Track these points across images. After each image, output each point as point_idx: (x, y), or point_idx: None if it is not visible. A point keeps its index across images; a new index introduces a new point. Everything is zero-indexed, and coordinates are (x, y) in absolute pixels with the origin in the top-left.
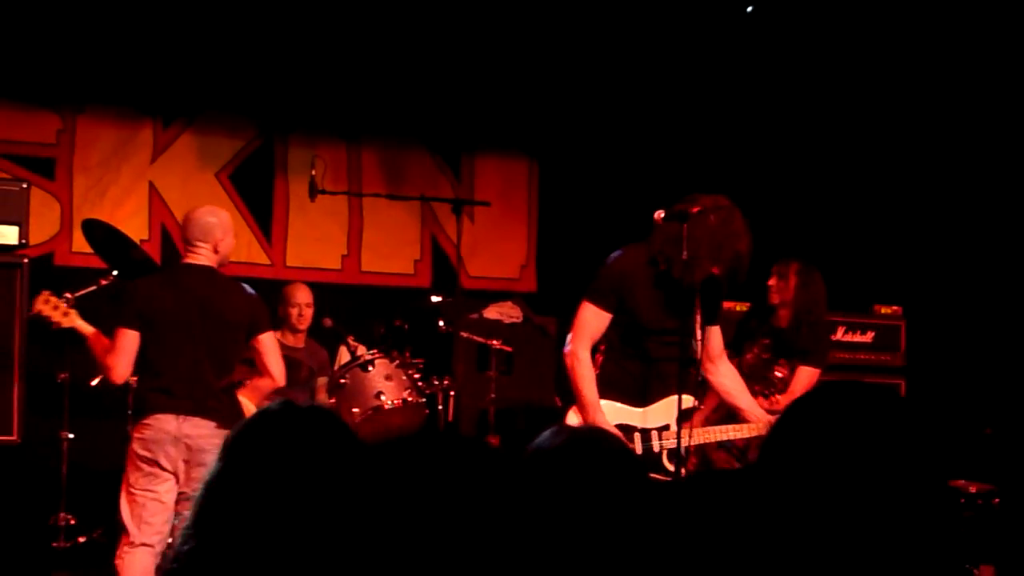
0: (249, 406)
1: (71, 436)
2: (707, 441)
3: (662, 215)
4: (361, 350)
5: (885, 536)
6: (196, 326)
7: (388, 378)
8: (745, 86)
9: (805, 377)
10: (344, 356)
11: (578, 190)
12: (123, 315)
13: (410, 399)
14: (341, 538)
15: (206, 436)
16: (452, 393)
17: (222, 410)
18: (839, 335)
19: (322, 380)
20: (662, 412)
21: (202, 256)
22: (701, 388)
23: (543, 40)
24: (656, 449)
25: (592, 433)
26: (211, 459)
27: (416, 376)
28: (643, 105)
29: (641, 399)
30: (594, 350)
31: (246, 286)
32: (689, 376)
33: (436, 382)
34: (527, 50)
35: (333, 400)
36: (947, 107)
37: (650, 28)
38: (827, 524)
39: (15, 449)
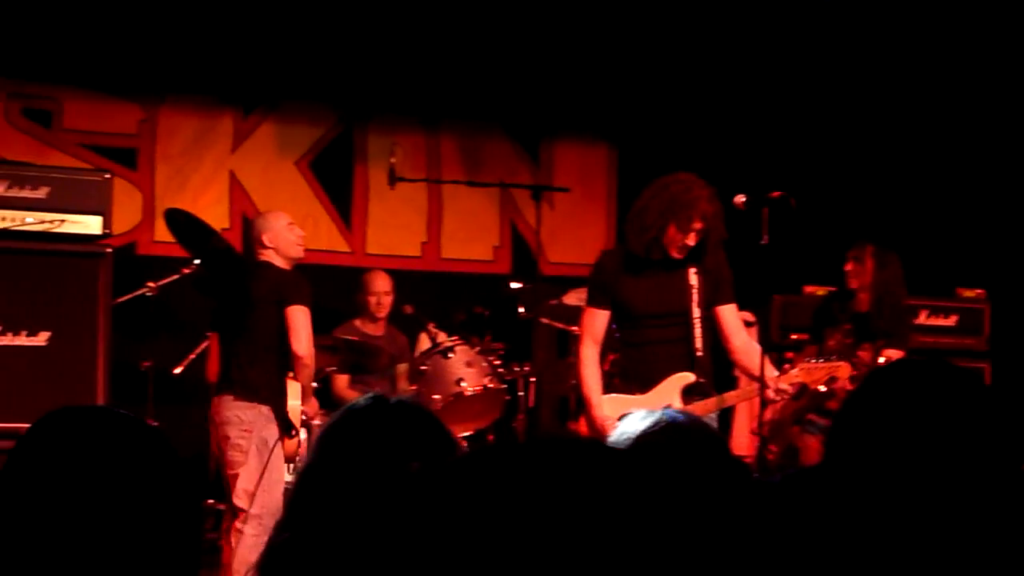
0: (295, 387)
1: (155, 424)
2: (714, 410)
3: (743, 200)
4: (441, 337)
5: (959, 521)
6: (231, 309)
7: (469, 365)
8: (826, 69)
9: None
10: (424, 343)
11: (657, 175)
12: None
13: (490, 385)
14: (431, 531)
15: (223, 410)
16: (532, 379)
17: (244, 382)
18: (922, 319)
19: (403, 367)
20: (664, 394)
21: (259, 253)
22: (700, 366)
23: (622, 24)
24: None
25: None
26: (231, 431)
27: (496, 362)
28: (722, 89)
29: (644, 385)
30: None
31: (290, 270)
32: (688, 355)
33: (516, 368)
34: (607, 34)
35: (414, 387)
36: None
37: (730, 12)
38: (899, 508)
39: None
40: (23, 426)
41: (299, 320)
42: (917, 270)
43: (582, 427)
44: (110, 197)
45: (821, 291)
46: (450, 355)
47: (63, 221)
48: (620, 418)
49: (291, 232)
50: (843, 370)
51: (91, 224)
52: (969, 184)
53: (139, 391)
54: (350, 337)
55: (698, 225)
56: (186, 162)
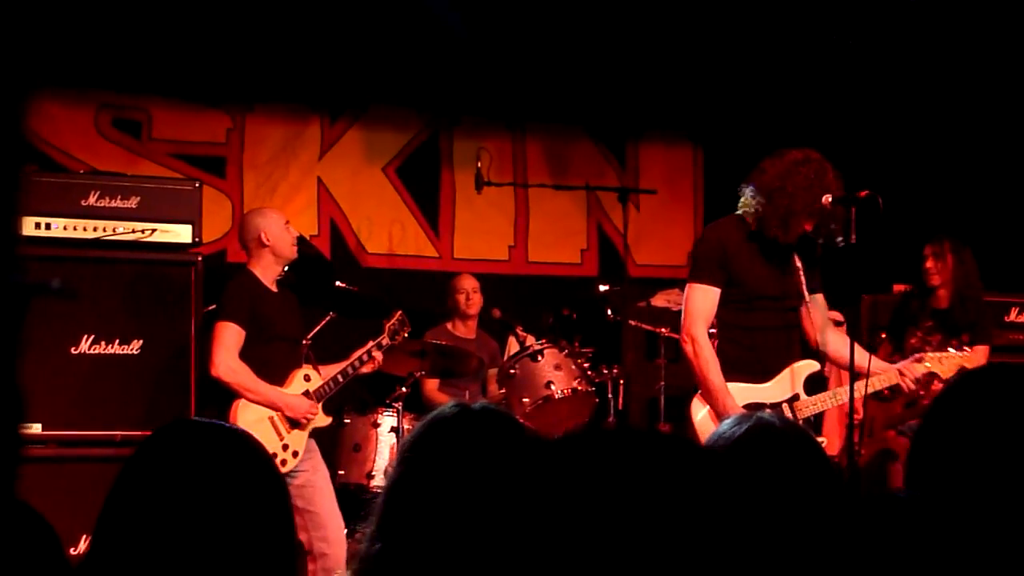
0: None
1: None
2: (837, 404)
3: (829, 199)
4: (530, 340)
5: None
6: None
7: (557, 367)
8: (909, 65)
9: (979, 355)
10: (513, 346)
11: (743, 175)
12: None
13: (580, 388)
14: (521, 537)
15: None
16: (621, 381)
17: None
18: (1012, 316)
19: (493, 371)
20: (788, 382)
21: (251, 252)
22: (815, 354)
23: (705, 23)
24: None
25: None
26: None
27: (585, 365)
28: (807, 86)
29: (764, 373)
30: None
31: (233, 281)
32: (801, 342)
33: (605, 371)
34: (690, 34)
35: (504, 390)
36: None
37: (814, 11)
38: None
39: None
40: (116, 434)
41: (215, 335)
42: (1005, 266)
43: (704, 422)
44: (200, 206)
45: (897, 287)
46: (539, 358)
47: (154, 230)
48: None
49: (288, 232)
50: (977, 356)
51: (181, 233)
52: None
53: (229, 398)
54: (440, 341)
55: (829, 197)
56: (274, 169)
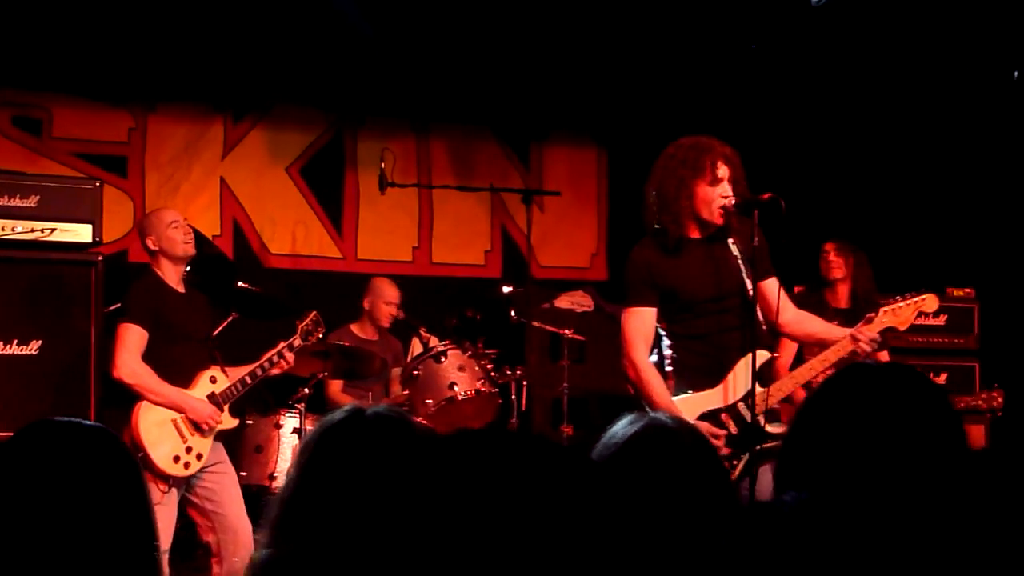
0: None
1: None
2: (796, 387)
3: (732, 202)
4: (434, 341)
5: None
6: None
7: (461, 369)
8: (814, 69)
9: (931, 300)
10: (417, 347)
11: (647, 178)
12: None
13: (483, 389)
14: (415, 542)
15: None
16: (525, 383)
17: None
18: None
19: (396, 371)
20: (740, 381)
21: (149, 256)
22: (774, 341)
23: (610, 26)
24: (749, 419)
25: (671, 422)
26: None
27: (489, 366)
28: (711, 90)
29: (716, 377)
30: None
31: (137, 281)
32: (755, 335)
33: (509, 372)
34: (594, 37)
35: (407, 391)
36: (1016, 86)
37: (724, 12)
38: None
39: None
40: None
41: (117, 336)
42: (906, 269)
43: None
44: (100, 205)
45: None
46: (442, 359)
47: (53, 229)
48: (699, 419)
49: (176, 231)
50: (930, 302)
51: (81, 232)
52: (957, 183)
53: (131, 399)
54: (343, 342)
55: (726, 169)
56: (176, 169)
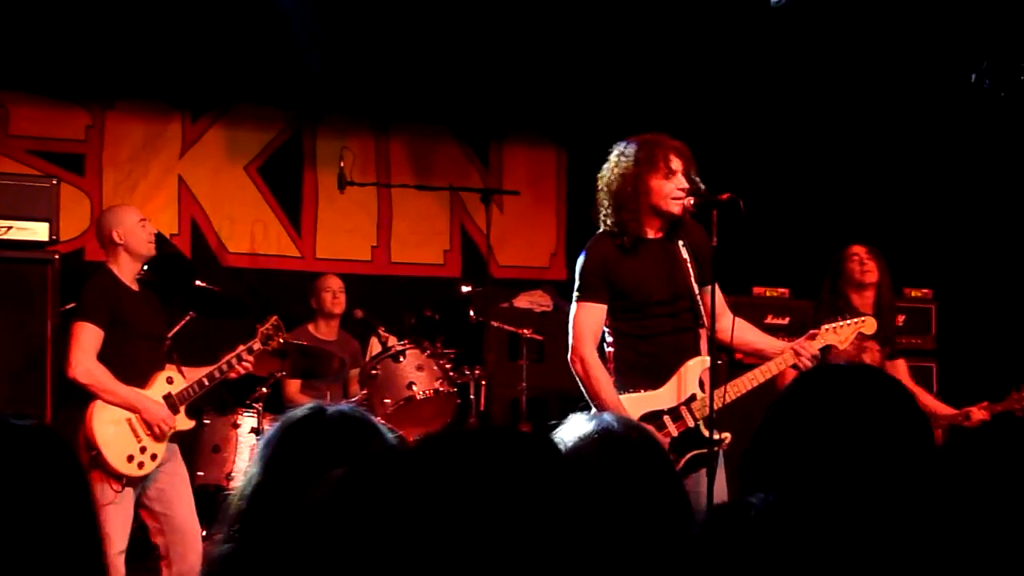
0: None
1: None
2: (739, 394)
3: (691, 202)
4: (392, 341)
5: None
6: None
7: (419, 368)
8: (779, 73)
9: (871, 322)
10: (375, 347)
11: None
12: None
13: (441, 389)
14: (374, 541)
15: None
16: (483, 382)
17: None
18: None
19: (354, 371)
20: (685, 384)
21: (107, 251)
22: (714, 347)
23: (571, 26)
24: (691, 423)
25: (623, 422)
26: None
27: (447, 366)
28: (672, 90)
29: (660, 378)
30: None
31: (92, 279)
32: (699, 338)
33: (467, 372)
34: (555, 37)
35: (365, 391)
36: (973, 89)
37: (683, 13)
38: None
39: None
40: None
41: (72, 336)
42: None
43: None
44: (57, 203)
45: (770, 292)
46: (401, 359)
47: (9, 228)
48: (642, 419)
49: (143, 229)
50: (869, 324)
51: (38, 231)
52: (915, 184)
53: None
54: (301, 342)
55: (679, 162)
56: (134, 168)
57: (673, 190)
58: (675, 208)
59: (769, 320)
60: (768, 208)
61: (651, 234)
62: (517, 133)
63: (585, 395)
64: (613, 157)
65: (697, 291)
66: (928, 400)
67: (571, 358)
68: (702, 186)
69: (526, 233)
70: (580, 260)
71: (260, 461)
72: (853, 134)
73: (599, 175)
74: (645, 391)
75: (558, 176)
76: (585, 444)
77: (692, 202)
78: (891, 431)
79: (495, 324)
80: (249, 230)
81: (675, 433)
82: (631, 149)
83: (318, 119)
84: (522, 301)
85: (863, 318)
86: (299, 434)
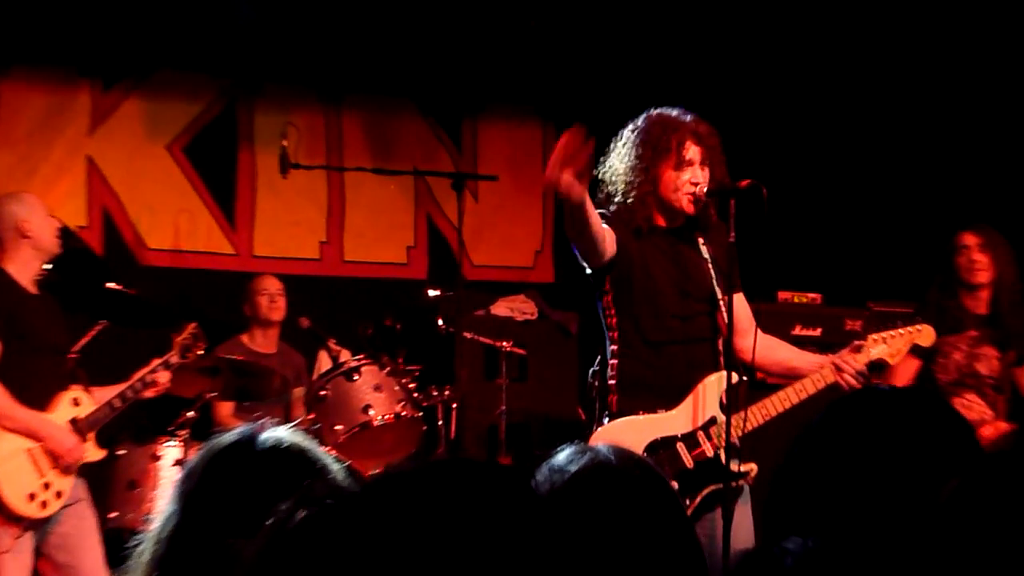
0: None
1: None
2: (768, 419)
3: (705, 189)
4: (345, 355)
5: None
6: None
7: (377, 388)
8: (812, 41)
9: (928, 332)
10: (325, 363)
11: (603, 158)
12: None
13: (404, 413)
14: None
15: None
16: (454, 405)
17: None
18: None
19: (298, 392)
20: (698, 405)
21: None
22: (735, 360)
23: None
24: (711, 452)
25: (621, 456)
26: None
27: (411, 386)
28: (684, 58)
29: (674, 397)
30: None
31: None
32: (717, 351)
33: (435, 393)
34: None
35: (312, 415)
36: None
37: None
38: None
39: None
40: None
41: None
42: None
43: None
44: None
45: (799, 298)
46: (355, 377)
47: None
48: (648, 448)
49: (51, 223)
50: (926, 334)
51: None
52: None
53: None
54: (235, 356)
55: (697, 150)
56: (34, 147)
57: (685, 183)
58: (686, 204)
59: (798, 331)
60: (797, 198)
61: (663, 223)
62: (495, 106)
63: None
64: (624, 133)
65: (720, 296)
66: None
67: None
68: (728, 181)
69: (506, 226)
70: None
71: (179, 498)
72: (909, 101)
73: (605, 152)
74: (656, 412)
75: (544, 158)
76: (575, 482)
77: (704, 190)
78: (941, 469)
79: (469, 336)
80: (172, 222)
81: (690, 464)
82: (643, 127)
83: (257, 89)
84: (501, 308)
85: (918, 327)
86: (225, 466)
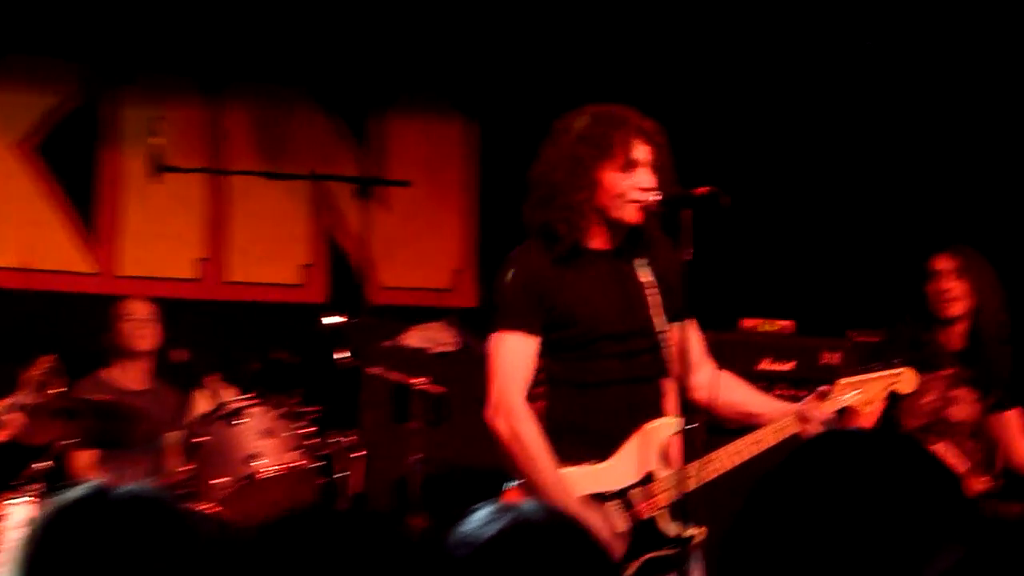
0: None
1: None
2: (718, 474)
3: (656, 199)
4: (228, 394)
5: None
6: None
7: (266, 434)
8: (782, 40)
9: (910, 375)
10: (204, 403)
11: (534, 161)
12: None
13: (298, 463)
14: None
15: None
16: (358, 454)
17: None
18: None
19: (173, 437)
20: (638, 456)
21: None
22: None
23: None
24: (648, 514)
25: (547, 518)
26: None
27: (307, 431)
28: (620, 40)
29: (607, 446)
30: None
31: None
32: (660, 392)
33: (335, 439)
34: None
35: (189, 466)
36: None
37: None
38: None
39: None
40: None
41: None
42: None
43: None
44: None
45: (767, 326)
46: (240, 421)
47: None
48: None
49: None
50: (906, 380)
51: None
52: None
53: None
54: (96, 396)
55: (645, 149)
56: None
57: (631, 190)
58: (630, 214)
59: (765, 366)
60: (764, 208)
61: (599, 244)
62: (408, 99)
63: (511, 469)
64: (556, 131)
65: (663, 328)
66: None
67: (490, 414)
68: (679, 188)
69: (421, 241)
70: (504, 275)
71: (22, 562)
72: (891, 109)
73: (540, 153)
74: (584, 464)
75: (467, 160)
76: (495, 546)
77: (657, 199)
78: (921, 526)
79: (376, 371)
80: (20, 234)
81: (624, 527)
82: (581, 123)
83: (124, 78)
84: (414, 338)
85: (897, 371)
86: (74, 525)
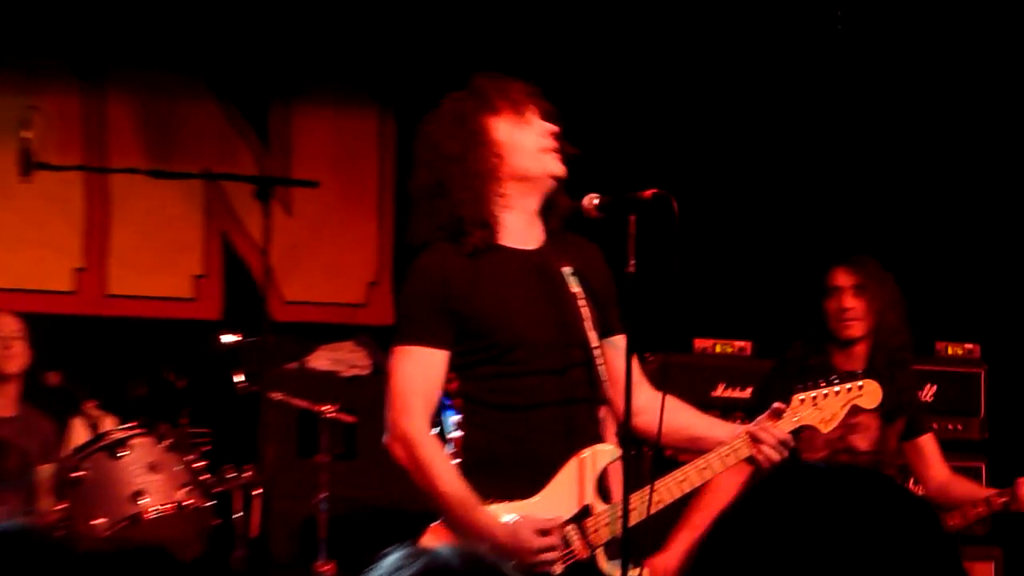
0: None
1: None
2: (662, 506)
3: (597, 202)
4: (108, 423)
5: None
6: None
7: (152, 468)
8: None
9: (873, 389)
10: (81, 433)
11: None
12: None
13: (187, 502)
14: None
15: None
16: (257, 491)
17: None
18: None
19: (45, 471)
20: (572, 488)
21: None
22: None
23: None
24: (584, 553)
25: (464, 563)
26: None
27: (198, 465)
28: (549, 24)
29: (535, 479)
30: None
31: None
32: (595, 415)
33: (231, 474)
34: None
35: (64, 504)
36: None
37: None
38: None
39: None
40: None
41: None
42: None
43: None
44: None
45: (723, 347)
46: (122, 453)
47: None
48: None
49: None
50: (870, 392)
51: None
52: (950, 194)
53: None
54: None
55: (531, 106)
56: None
57: (538, 139)
58: (551, 166)
59: (721, 392)
60: (719, 215)
61: (516, 242)
62: (315, 87)
63: (419, 494)
64: (425, 127)
65: (596, 343)
66: (964, 487)
67: (388, 439)
68: (569, 200)
69: (331, 249)
70: (406, 281)
71: None
72: (858, 116)
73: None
74: (509, 501)
75: (381, 157)
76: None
77: (597, 202)
78: (905, 565)
79: (278, 397)
80: None
81: (557, 570)
82: (450, 104)
83: None
84: (321, 359)
85: (859, 383)
86: None
